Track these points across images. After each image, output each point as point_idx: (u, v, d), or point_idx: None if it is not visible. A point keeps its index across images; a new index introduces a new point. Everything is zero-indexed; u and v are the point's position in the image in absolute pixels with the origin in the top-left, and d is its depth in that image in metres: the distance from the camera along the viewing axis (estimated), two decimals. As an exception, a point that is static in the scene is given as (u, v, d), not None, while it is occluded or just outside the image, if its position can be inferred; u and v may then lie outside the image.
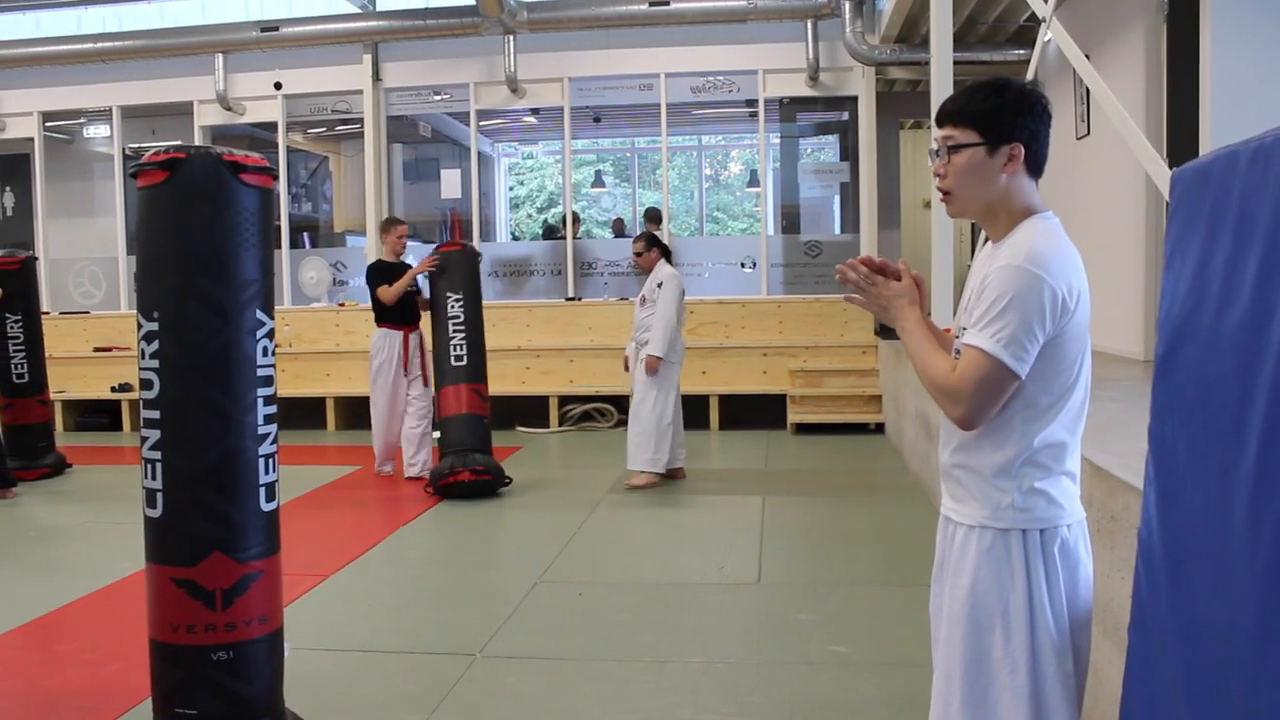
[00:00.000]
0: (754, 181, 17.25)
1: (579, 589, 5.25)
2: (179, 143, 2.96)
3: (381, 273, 8.14)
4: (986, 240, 2.37)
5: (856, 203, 11.56)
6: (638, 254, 7.84)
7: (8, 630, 4.87)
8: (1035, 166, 2.26)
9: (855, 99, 11.42)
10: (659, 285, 7.59)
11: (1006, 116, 2.22)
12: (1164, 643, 1.93)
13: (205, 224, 3.05)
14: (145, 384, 3.10)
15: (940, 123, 2.29)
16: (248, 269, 3.10)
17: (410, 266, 8.12)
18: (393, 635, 4.77)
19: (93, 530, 7.14)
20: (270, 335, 3.17)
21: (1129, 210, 7.14)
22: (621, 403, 9.82)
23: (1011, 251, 2.16)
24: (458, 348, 7.67)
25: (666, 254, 7.87)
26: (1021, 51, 10.28)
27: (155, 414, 3.09)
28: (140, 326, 3.10)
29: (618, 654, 4.42)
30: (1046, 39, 6.36)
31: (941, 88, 7.13)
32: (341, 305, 11.90)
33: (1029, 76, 7.05)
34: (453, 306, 7.73)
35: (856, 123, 11.43)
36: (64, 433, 11.08)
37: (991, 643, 2.23)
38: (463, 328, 7.72)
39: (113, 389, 11.76)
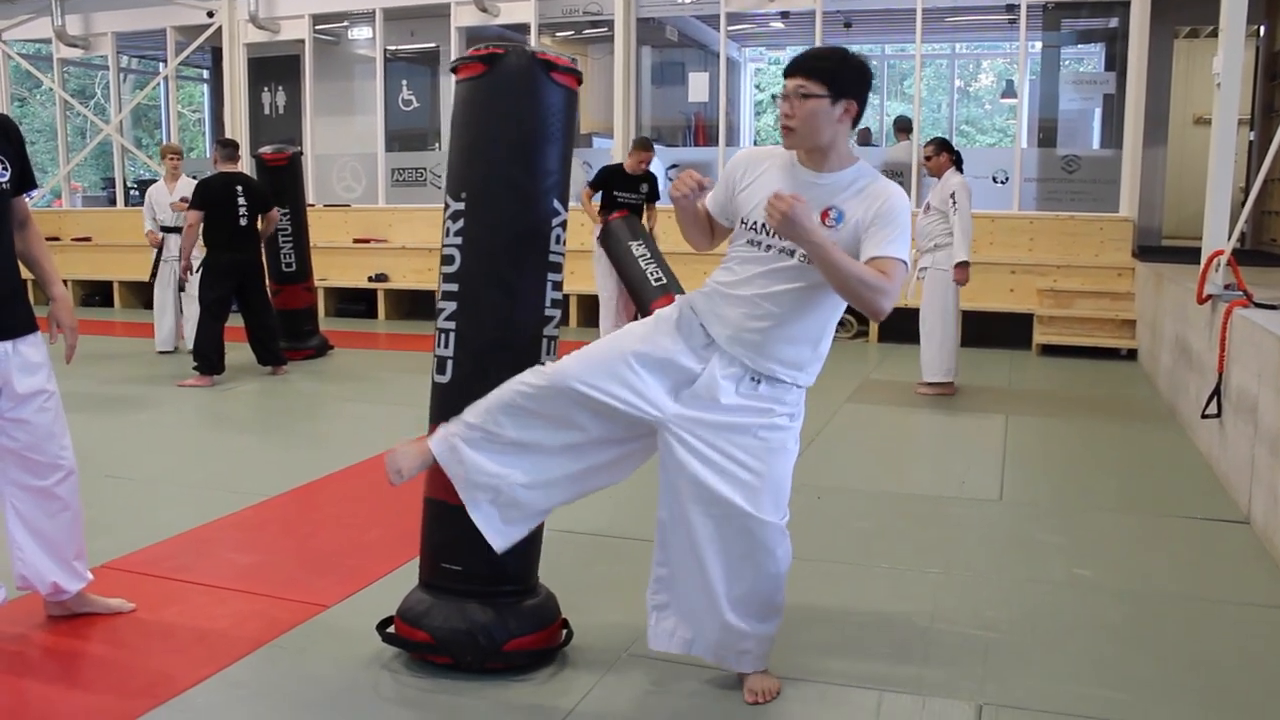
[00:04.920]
0: (1008, 92, 16.52)
1: (817, 493, 5.24)
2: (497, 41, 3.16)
3: (612, 176, 9.11)
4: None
5: (1120, 116, 10.91)
6: (927, 158, 7.88)
7: (280, 493, 5.27)
8: (857, 122, 2.98)
9: (1127, 4, 10.69)
10: (951, 195, 7.55)
11: (850, 79, 2.91)
12: None
13: (516, 116, 3.21)
14: (446, 259, 3.28)
15: (791, 73, 2.91)
16: (550, 160, 3.25)
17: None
18: (628, 524, 4.87)
19: (350, 408, 7.63)
20: (564, 225, 3.31)
21: None
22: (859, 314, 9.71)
23: (883, 188, 2.91)
24: (653, 275, 8.29)
25: (958, 160, 7.83)
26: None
27: (454, 287, 3.26)
28: (447, 206, 3.29)
29: (855, 558, 4.42)
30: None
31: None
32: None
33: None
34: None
35: (1126, 30, 10.74)
36: (325, 318, 11.71)
37: None
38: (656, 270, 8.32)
39: (369, 279, 12.38)
